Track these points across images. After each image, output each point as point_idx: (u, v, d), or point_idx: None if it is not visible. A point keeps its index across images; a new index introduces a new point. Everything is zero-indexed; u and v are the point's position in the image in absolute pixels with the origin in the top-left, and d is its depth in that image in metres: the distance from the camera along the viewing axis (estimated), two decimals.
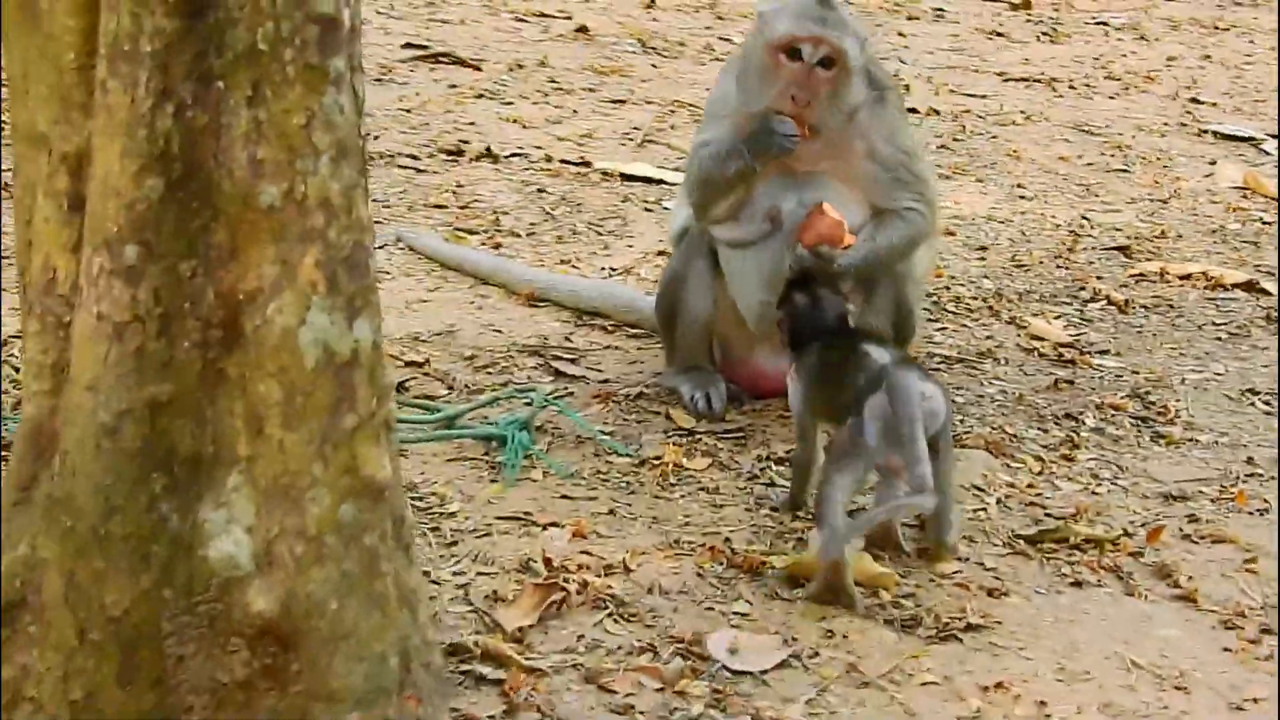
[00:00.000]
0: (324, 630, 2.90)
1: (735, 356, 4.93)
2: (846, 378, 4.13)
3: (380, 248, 5.62)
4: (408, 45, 7.62)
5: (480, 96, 7.08)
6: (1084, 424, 4.90)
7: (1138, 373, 5.22)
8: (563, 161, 6.44)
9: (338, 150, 2.81)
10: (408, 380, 4.83)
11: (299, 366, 2.82)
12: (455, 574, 3.95)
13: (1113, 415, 4.96)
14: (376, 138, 6.55)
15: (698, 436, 4.70)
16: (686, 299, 4.85)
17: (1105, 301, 5.69)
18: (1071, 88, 7.89)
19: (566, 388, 4.88)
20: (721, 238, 4.79)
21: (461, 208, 5.99)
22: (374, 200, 5.93)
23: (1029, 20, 8.83)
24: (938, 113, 7.39)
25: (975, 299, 5.63)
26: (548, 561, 3.99)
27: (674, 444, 4.60)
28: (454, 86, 7.16)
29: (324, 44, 2.80)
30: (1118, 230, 6.27)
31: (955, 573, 4.12)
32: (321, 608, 2.89)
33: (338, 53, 2.81)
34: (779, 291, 4.58)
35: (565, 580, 3.92)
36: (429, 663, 3.16)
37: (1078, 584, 4.12)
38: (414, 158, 6.40)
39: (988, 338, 5.38)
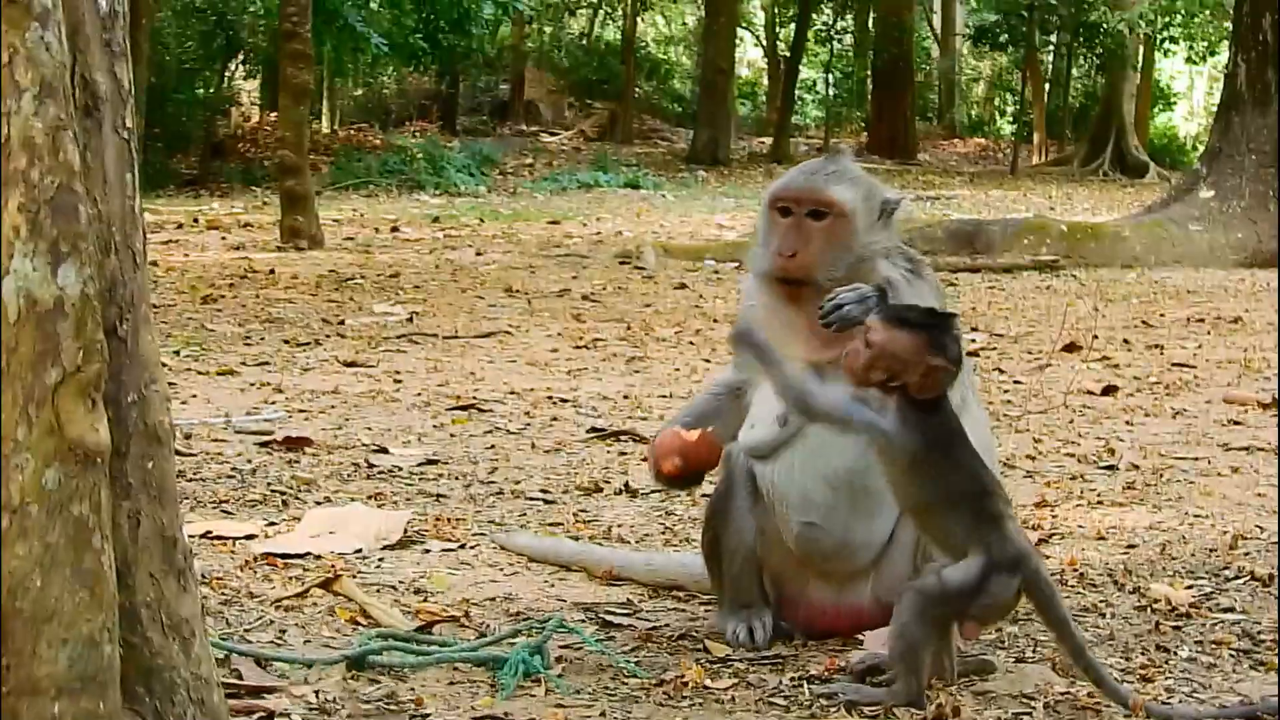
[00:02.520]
0: (27, 611, 2.66)
1: (788, 594, 4.56)
2: (964, 510, 3.96)
3: (472, 548, 5.46)
4: (592, 430, 7.57)
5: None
6: (1176, 655, 4.41)
7: (1259, 623, 4.70)
8: (703, 496, 6.20)
9: (42, 87, 2.71)
10: (435, 624, 4.59)
11: (3, 319, 2.67)
12: None
13: (1213, 649, 4.45)
14: (519, 483, 6.43)
15: (730, 662, 4.34)
16: (728, 529, 4.54)
17: (1249, 577, 5.17)
18: None
19: (609, 635, 4.58)
20: (743, 444, 4.51)
21: (578, 523, 5.79)
22: (486, 522, 5.79)
23: (1275, 421, 8.34)
24: (1137, 467, 6.97)
25: (1101, 574, 5.17)
26: None
27: (700, 666, 4.25)
28: (624, 454, 7.03)
29: None
30: None
31: None
32: (25, 585, 2.66)
33: None
34: (809, 512, 4.37)
35: None
36: (202, 700, 2.88)
37: None
38: (545, 492, 6.25)
39: (1100, 601, 4.91)
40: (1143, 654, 4.41)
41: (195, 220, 21.52)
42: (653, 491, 6.26)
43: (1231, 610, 4.85)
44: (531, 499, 6.18)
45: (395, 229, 20.81)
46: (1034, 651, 4.39)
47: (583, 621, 4.68)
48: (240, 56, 32.86)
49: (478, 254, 17.63)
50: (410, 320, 11.85)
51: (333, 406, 8.16)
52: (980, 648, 4.36)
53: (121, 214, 2.91)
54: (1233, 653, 4.44)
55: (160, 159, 28.68)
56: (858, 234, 4.44)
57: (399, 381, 9.04)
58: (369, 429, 7.55)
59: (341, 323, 11.68)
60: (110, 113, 2.90)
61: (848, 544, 4.46)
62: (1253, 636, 4.57)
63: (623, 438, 7.40)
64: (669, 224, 22.77)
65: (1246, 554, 5.49)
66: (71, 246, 2.71)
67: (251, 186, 28.84)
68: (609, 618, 4.73)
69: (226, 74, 33.12)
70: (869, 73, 43.36)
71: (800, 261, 4.40)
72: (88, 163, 2.83)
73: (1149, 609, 4.84)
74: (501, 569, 5.24)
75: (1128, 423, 8.18)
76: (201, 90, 31.71)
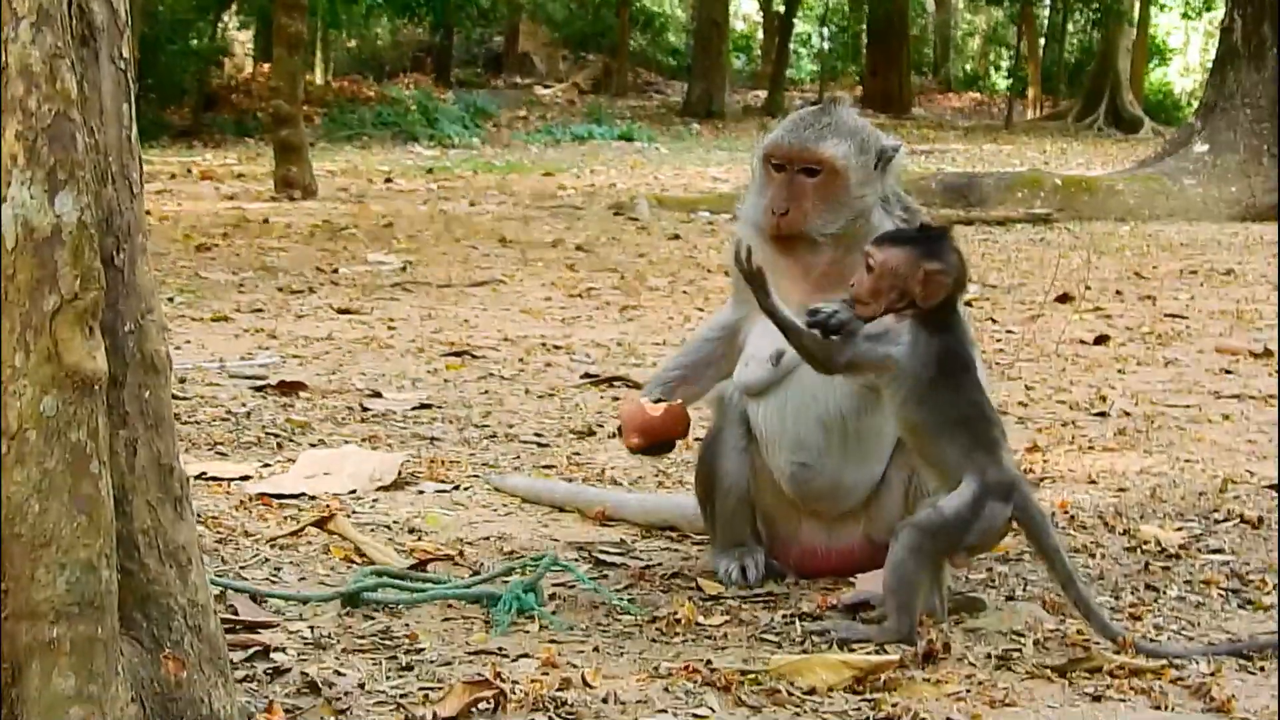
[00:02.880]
0: (25, 536, 2.68)
1: (780, 534, 4.58)
2: (962, 435, 3.99)
3: (466, 489, 5.49)
4: (585, 375, 7.60)
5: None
6: (1164, 595, 4.44)
7: (1248, 564, 4.72)
8: (696, 439, 6.22)
9: (39, 15, 2.71)
10: (429, 563, 4.62)
11: (1, 246, 2.69)
12: (394, 687, 3.67)
13: (1202, 588, 4.48)
14: (512, 426, 6.46)
15: (723, 600, 4.36)
16: (721, 469, 4.55)
17: (1239, 519, 5.20)
18: None
19: (603, 573, 4.61)
20: (737, 382, 4.53)
21: (572, 465, 5.81)
22: (480, 464, 5.81)
23: (1268, 370, 8.36)
24: (1128, 414, 7.00)
25: (1091, 516, 5.20)
26: (497, 675, 3.69)
27: (693, 603, 4.28)
28: (616, 398, 7.06)
29: None
30: None
31: (961, 690, 3.69)
32: (23, 511, 2.68)
33: None
34: (801, 453, 4.38)
35: (510, 686, 3.62)
36: (198, 627, 2.90)
37: (1097, 698, 3.66)
38: (539, 436, 6.27)
39: (1091, 542, 4.93)
40: (1132, 593, 4.44)
41: (189, 171, 21.52)
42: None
43: (1220, 551, 4.88)
44: (525, 442, 6.20)
45: (389, 180, 20.80)
46: (1023, 590, 4.42)
47: (576, 560, 4.70)
48: (234, 7, 32.79)
49: (471, 205, 17.64)
50: (404, 269, 11.87)
51: (327, 352, 8.19)
52: (970, 586, 4.40)
53: (118, 144, 2.92)
54: (1221, 592, 4.47)
55: (154, 110, 28.65)
56: (851, 188, 4.44)
57: (393, 328, 9.06)
58: (363, 374, 7.57)
59: (335, 271, 11.70)
60: (107, 43, 2.90)
61: (839, 485, 4.47)
62: (1241, 576, 4.59)
63: (616, 383, 7.42)
64: (663, 176, 22.78)
65: (1236, 497, 5.52)
66: (68, 174, 2.72)
67: (245, 137, 28.83)
68: (602, 557, 4.75)
69: (220, 24, 33.04)
70: (864, 27, 43.26)
71: (793, 218, 4.41)
72: (84, 92, 2.84)
73: (1139, 550, 4.87)
74: (495, 510, 5.27)
75: (1120, 371, 8.21)
76: (195, 41, 31.66)
